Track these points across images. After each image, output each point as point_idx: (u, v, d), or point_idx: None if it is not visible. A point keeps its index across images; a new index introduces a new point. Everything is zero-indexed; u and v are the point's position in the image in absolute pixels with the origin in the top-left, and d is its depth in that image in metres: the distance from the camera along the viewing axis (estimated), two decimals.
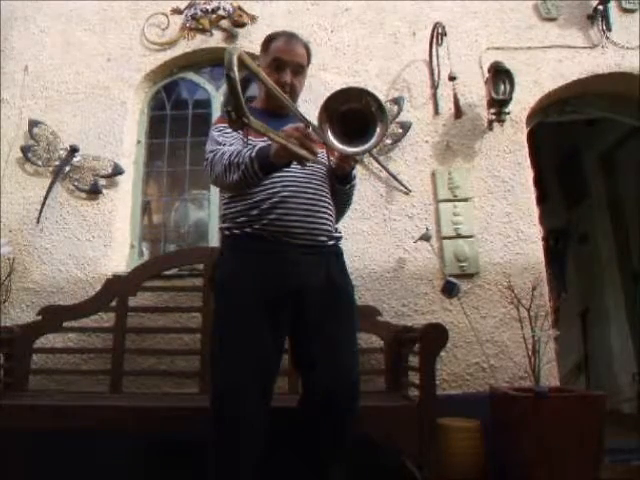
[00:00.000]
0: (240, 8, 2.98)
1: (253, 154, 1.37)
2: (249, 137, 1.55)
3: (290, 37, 1.66)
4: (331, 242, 1.57)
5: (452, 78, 2.69)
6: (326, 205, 1.57)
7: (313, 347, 1.48)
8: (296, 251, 1.48)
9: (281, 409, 1.56)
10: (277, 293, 1.45)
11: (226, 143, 1.52)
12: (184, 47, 2.99)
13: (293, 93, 1.64)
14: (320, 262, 1.52)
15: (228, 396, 1.39)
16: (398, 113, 2.74)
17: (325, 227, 1.55)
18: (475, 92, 2.79)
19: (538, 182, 2.86)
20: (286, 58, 1.60)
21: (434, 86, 2.81)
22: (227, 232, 1.55)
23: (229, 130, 1.51)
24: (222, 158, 1.45)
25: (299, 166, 1.37)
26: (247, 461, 1.38)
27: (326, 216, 1.56)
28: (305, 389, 1.54)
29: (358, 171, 2.67)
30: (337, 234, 1.62)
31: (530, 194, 2.68)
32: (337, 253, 1.60)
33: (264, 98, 1.68)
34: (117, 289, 2.37)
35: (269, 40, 1.67)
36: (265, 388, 1.43)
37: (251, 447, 1.38)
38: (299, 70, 1.64)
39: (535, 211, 2.67)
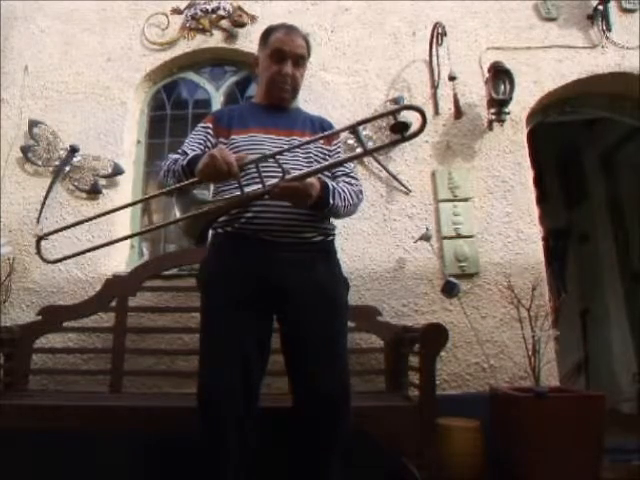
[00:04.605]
0: (240, 8, 2.98)
1: (185, 164, 1.45)
2: (232, 136, 1.55)
3: (290, 28, 1.64)
4: (319, 238, 1.52)
5: (452, 78, 2.68)
6: None
7: (295, 348, 1.47)
8: (277, 249, 1.45)
9: (280, 409, 1.57)
10: (257, 292, 1.43)
11: (184, 148, 1.58)
12: (184, 47, 2.99)
13: (294, 84, 1.63)
14: (304, 260, 1.47)
15: (209, 395, 1.38)
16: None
17: (310, 223, 1.49)
18: (475, 92, 2.79)
19: (538, 182, 2.86)
20: (286, 49, 1.58)
21: (434, 86, 2.81)
22: (212, 231, 1.56)
23: (199, 131, 1.61)
24: (165, 163, 1.53)
25: (281, 167, 1.35)
26: (229, 459, 1.36)
27: (312, 213, 1.49)
28: (292, 390, 1.52)
29: (358, 171, 2.70)
30: (327, 230, 1.56)
31: (530, 194, 2.68)
32: (326, 250, 1.55)
33: (264, 93, 1.66)
34: (117, 289, 2.38)
35: (268, 32, 1.65)
36: (250, 387, 1.41)
37: (233, 445, 1.36)
38: (300, 62, 1.62)
39: (535, 211, 2.67)
